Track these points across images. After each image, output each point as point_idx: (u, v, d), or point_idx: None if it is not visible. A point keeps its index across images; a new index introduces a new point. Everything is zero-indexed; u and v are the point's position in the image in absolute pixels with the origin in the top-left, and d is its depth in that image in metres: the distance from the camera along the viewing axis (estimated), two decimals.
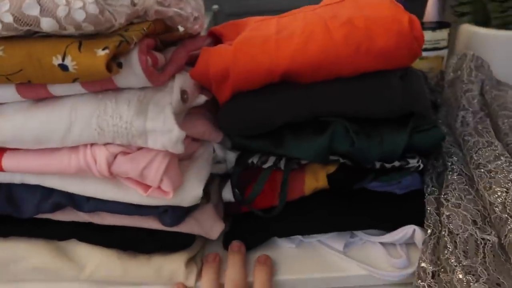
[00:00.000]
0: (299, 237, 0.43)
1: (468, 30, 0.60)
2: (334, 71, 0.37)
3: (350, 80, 0.37)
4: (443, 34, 0.60)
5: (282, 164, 0.41)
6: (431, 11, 0.64)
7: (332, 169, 0.41)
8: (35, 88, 0.33)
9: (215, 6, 0.42)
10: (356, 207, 0.42)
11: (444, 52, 0.61)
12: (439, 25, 0.59)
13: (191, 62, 0.42)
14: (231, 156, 0.45)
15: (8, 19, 0.28)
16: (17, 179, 0.37)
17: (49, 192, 0.38)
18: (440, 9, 0.66)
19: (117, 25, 0.32)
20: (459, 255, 0.35)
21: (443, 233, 0.37)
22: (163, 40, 0.40)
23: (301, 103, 0.38)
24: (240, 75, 0.37)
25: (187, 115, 0.40)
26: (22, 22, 0.29)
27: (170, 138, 0.34)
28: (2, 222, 0.39)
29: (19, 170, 0.36)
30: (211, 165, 0.42)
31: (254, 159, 0.43)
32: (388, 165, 0.40)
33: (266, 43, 0.37)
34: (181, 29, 0.45)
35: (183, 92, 0.38)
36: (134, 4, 0.36)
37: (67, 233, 0.40)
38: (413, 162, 0.40)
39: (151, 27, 0.36)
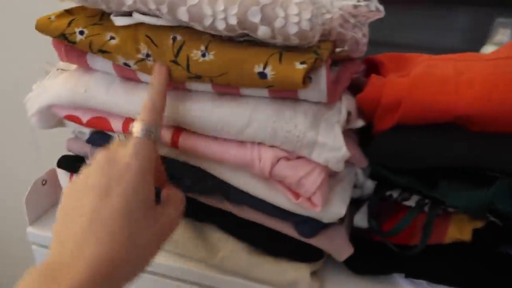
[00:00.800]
0: (424, 283, 0.42)
1: None
2: (510, 125, 0.35)
3: None
4: None
5: (427, 206, 0.40)
6: None
7: (479, 224, 0.39)
8: (227, 88, 0.36)
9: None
10: (495, 271, 0.39)
11: None
12: None
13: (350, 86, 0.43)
14: (369, 184, 0.45)
15: (233, 21, 0.32)
16: (182, 157, 0.41)
17: (205, 175, 0.41)
18: None
19: (313, 42, 0.34)
20: None
21: None
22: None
23: (467, 150, 0.37)
24: (412, 109, 0.37)
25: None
26: (242, 26, 0.32)
27: (335, 155, 0.35)
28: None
29: (190, 150, 0.39)
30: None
31: (394, 193, 0.42)
32: None
33: (445, 83, 0.37)
34: (336, 50, 0.47)
35: (348, 113, 0.39)
36: (323, 24, 0.38)
37: (208, 217, 0.43)
38: None
39: (331, 47, 0.38)
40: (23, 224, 0.48)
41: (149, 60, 0.35)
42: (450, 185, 0.38)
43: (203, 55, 0.34)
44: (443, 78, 0.38)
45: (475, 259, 0.40)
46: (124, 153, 0.31)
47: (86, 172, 0.32)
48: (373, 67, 0.49)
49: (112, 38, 0.36)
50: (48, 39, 0.40)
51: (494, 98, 0.35)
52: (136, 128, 0.33)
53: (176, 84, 0.38)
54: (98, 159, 0.31)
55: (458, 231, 0.39)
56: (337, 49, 0.43)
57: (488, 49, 0.69)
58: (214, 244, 0.42)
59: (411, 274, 0.41)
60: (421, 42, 0.73)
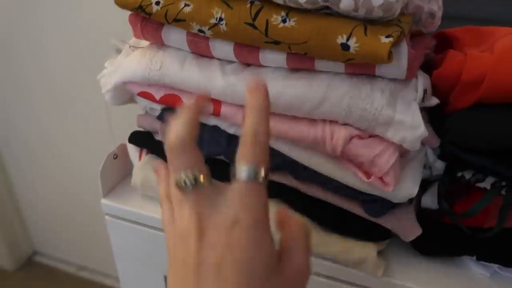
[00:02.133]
0: (495, 266, 0.40)
1: None
2: None
3: None
4: None
5: (504, 189, 0.38)
6: None
7: None
8: (303, 60, 0.35)
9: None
10: None
11: None
12: None
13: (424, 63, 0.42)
14: (438, 164, 0.44)
15: None
16: None
17: (273, 153, 0.41)
18: None
19: (396, 15, 0.33)
20: None
21: None
22: None
23: None
24: (496, 85, 0.35)
25: None
26: None
27: (413, 134, 0.34)
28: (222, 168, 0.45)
29: None
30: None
31: (466, 174, 0.41)
32: None
33: None
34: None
35: (424, 91, 0.37)
36: None
37: (274, 192, 0.43)
38: None
39: (411, 20, 0.36)
40: (98, 195, 0.51)
41: (222, 24, 0.35)
42: None
43: (284, 21, 0.33)
44: None
45: None
46: (226, 206, 0.25)
47: (180, 247, 0.25)
48: (445, 43, 0.47)
49: (186, 5, 0.36)
50: (120, 17, 0.42)
51: None
52: (239, 170, 0.25)
53: (250, 58, 0.38)
54: (190, 221, 0.25)
55: None
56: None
57: None
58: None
59: (483, 257, 0.39)
60: (495, 15, 0.68)
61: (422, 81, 0.38)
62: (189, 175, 0.26)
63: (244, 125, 0.26)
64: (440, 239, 0.41)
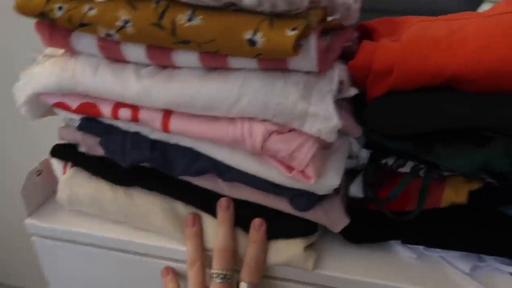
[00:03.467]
0: (421, 248, 0.42)
1: None
2: (507, 84, 0.35)
3: None
4: None
5: (422, 171, 0.40)
6: None
7: (475, 186, 0.39)
8: (216, 58, 0.35)
9: None
10: (492, 230, 0.39)
11: None
12: None
13: (340, 54, 0.43)
14: (363, 153, 0.45)
15: None
16: (173, 139, 0.41)
17: (198, 156, 0.41)
18: None
19: (302, 7, 0.33)
20: None
21: None
22: (323, 29, 0.41)
23: (462, 112, 0.36)
24: (405, 72, 0.36)
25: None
26: None
27: (328, 125, 0.35)
28: (150, 177, 0.43)
29: (182, 133, 0.39)
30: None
31: (389, 161, 0.42)
32: None
33: (438, 44, 0.36)
34: (328, 18, 0.46)
35: (340, 83, 0.38)
36: None
37: (205, 207, 0.43)
38: None
39: (322, 14, 0.37)
40: (21, 215, 0.48)
41: (128, 27, 0.34)
42: (444, 148, 0.37)
43: (189, 19, 0.33)
44: (435, 39, 0.37)
45: (472, 221, 0.40)
46: None
47: None
48: (366, 34, 0.48)
49: (91, 9, 0.35)
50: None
51: (487, 57, 0.34)
52: (243, 285, 0.39)
53: (163, 60, 0.37)
54: None
55: (454, 194, 0.39)
56: (329, 18, 0.42)
57: (485, 7, 0.67)
58: (209, 227, 0.42)
59: (407, 240, 0.41)
60: (418, 6, 0.71)
61: (338, 72, 0.38)
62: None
63: (248, 252, 0.40)
64: (367, 226, 0.42)
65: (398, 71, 0.36)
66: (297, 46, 0.31)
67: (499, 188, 0.38)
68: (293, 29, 0.31)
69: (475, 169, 0.36)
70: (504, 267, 0.40)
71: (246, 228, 0.42)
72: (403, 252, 0.42)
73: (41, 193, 0.50)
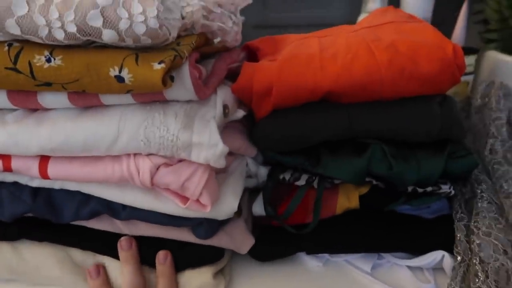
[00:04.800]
0: (326, 255, 0.43)
1: (494, 57, 0.61)
2: (376, 93, 0.37)
3: (391, 103, 0.38)
4: (470, 60, 0.60)
5: (315, 182, 0.41)
6: (458, 36, 0.65)
7: (364, 190, 0.41)
8: (87, 97, 0.33)
9: (241, 18, 0.43)
10: (386, 229, 0.42)
11: (470, 78, 0.62)
12: (467, 50, 0.60)
13: (228, 75, 0.43)
14: (262, 171, 0.45)
15: (72, 29, 0.29)
16: (57, 184, 0.38)
17: (87, 198, 0.38)
18: (467, 34, 0.66)
19: (170, 39, 0.33)
20: (490, 285, 0.35)
21: (474, 261, 0.37)
22: (202, 52, 0.41)
23: (340, 122, 0.38)
24: (283, 92, 0.37)
25: (224, 129, 0.40)
26: (84, 32, 0.29)
27: (214, 153, 0.34)
28: (38, 227, 0.40)
29: (64, 178, 0.36)
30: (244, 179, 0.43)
31: (286, 175, 0.43)
32: (420, 190, 0.40)
33: (311, 62, 0.38)
34: (215, 41, 0.46)
35: (225, 107, 0.38)
36: (183, 18, 0.36)
37: (99, 243, 0.40)
38: (445, 188, 0.41)
39: (197, 41, 0.37)
40: None
41: None
42: (331, 159, 0.39)
43: (48, 60, 0.30)
44: (308, 57, 0.38)
45: (367, 223, 0.42)
46: None
47: None
48: (252, 53, 0.49)
49: None
50: None
51: (355, 70, 0.37)
52: None
53: (29, 103, 0.34)
54: None
55: (347, 200, 0.41)
56: (215, 40, 0.42)
57: (362, 18, 0.73)
58: (111, 270, 0.40)
59: (311, 251, 0.42)
60: (306, 20, 0.74)
61: (222, 97, 0.38)
62: None
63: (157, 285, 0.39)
64: (273, 243, 0.42)
65: (276, 91, 0.37)
66: (167, 78, 0.31)
67: (385, 189, 0.41)
68: (159, 62, 0.30)
69: (357, 176, 0.38)
70: (401, 261, 0.42)
71: (153, 265, 0.40)
72: (310, 262, 0.43)
73: None
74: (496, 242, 0.38)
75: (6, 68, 0.31)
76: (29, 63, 0.30)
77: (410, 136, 0.39)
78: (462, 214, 0.42)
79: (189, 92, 0.34)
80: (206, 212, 0.37)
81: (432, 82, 0.37)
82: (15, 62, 0.31)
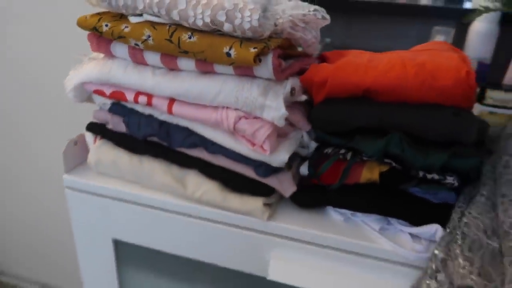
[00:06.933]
0: (348, 213, 0.57)
1: None
2: (402, 96, 0.51)
3: (414, 105, 0.51)
4: None
5: (349, 155, 0.55)
6: (511, 74, 0.74)
7: (384, 168, 0.54)
8: (206, 64, 0.52)
9: (328, 39, 0.57)
10: (396, 201, 0.54)
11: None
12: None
13: (301, 72, 0.60)
14: (312, 145, 0.61)
15: (207, 20, 0.48)
16: (175, 120, 0.58)
17: (191, 133, 0.57)
18: None
19: (264, 36, 0.50)
20: (463, 248, 0.46)
21: (458, 233, 0.48)
22: (288, 53, 0.58)
23: (373, 114, 0.52)
24: (334, 85, 0.53)
25: (291, 105, 0.57)
26: (214, 23, 0.48)
27: (278, 114, 0.51)
28: (156, 147, 0.60)
29: (181, 115, 0.56)
30: (297, 147, 0.59)
31: (329, 150, 0.58)
32: (429, 176, 0.52)
33: (358, 67, 0.53)
34: (299, 48, 0.63)
35: (292, 89, 0.55)
36: (276, 25, 0.54)
37: (193, 164, 0.59)
38: (449, 179, 0.52)
39: (282, 42, 0.54)
40: (59, 173, 0.65)
41: (150, 40, 0.52)
42: (362, 139, 0.53)
43: (190, 37, 0.50)
44: (357, 64, 0.54)
45: (382, 194, 0.55)
46: None
47: None
48: (323, 61, 0.65)
49: (126, 27, 0.53)
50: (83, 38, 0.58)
51: (389, 75, 0.51)
52: None
53: (171, 64, 0.54)
54: None
55: (370, 172, 0.55)
56: (299, 48, 0.60)
57: None
58: (196, 183, 0.59)
59: (337, 205, 0.56)
60: (376, 50, 0.89)
61: (291, 82, 0.55)
62: None
63: None
64: (309, 194, 0.57)
65: (329, 83, 0.53)
66: (257, 59, 0.49)
67: (401, 171, 0.54)
68: (254, 48, 0.48)
69: (377, 152, 0.52)
70: (405, 228, 0.54)
71: (223, 185, 0.58)
72: (335, 216, 0.57)
73: (76, 158, 0.67)
74: (480, 224, 0.49)
75: (165, 39, 0.51)
76: (178, 38, 0.51)
77: (424, 132, 0.51)
78: (462, 204, 0.53)
79: (269, 72, 0.51)
80: (266, 156, 0.53)
81: (447, 94, 0.50)
82: (171, 36, 0.51)
